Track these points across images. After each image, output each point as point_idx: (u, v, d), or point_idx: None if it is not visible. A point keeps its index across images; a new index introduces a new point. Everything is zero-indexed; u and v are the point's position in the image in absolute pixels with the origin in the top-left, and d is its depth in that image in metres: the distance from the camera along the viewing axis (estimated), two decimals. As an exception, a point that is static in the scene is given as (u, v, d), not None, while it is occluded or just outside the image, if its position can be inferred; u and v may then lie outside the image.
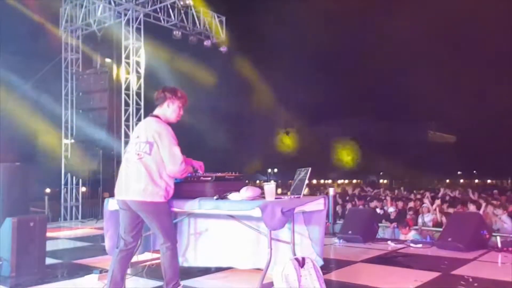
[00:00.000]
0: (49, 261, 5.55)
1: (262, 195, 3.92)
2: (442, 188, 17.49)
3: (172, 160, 3.81)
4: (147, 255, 5.07)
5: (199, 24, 12.86)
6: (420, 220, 9.97)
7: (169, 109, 4.02)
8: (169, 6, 12.23)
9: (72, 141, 12.68)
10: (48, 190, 16.59)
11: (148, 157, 3.80)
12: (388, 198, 12.36)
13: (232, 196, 3.97)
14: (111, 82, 11.69)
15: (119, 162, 12.13)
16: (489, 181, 51.98)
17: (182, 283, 4.06)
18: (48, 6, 13.19)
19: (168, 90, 4.08)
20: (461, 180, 51.60)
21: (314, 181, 40.18)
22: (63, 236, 8.71)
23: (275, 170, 44.54)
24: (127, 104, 11.73)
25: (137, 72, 11.86)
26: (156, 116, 4.01)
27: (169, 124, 4.01)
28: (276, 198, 3.87)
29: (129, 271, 4.62)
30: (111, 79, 11.71)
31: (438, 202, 10.86)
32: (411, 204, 11.54)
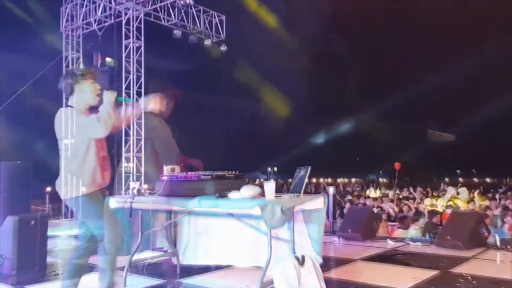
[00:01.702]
0: (50, 259, 5.58)
1: (262, 194, 3.94)
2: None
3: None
4: (147, 253, 5.11)
5: (199, 23, 12.88)
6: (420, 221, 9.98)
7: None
8: (169, 5, 12.25)
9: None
10: (49, 189, 16.62)
11: None
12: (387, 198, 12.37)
13: (232, 194, 3.99)
14: (111, 81, 11.70)
15: (119, 161, 12.16)
16: (488, 179, 52.01)
17: (183, 281, 4.07)
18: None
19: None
20: (460, 179, 51.67)
21: (314, 180, 40.20)
22: (64, 234, 8.73)
23: (275, 168, 44.57)
24: (127, 103, 11.77)
25: (138, 71, 11.88)
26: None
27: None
28: (276, 197, 3.89)
29: (129, 269, 4.66)
30: (112, 78, 11.72)
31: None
32: (412, 204, 11.58)
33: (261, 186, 4.05)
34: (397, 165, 20.54)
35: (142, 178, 11.75)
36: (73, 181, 3.75)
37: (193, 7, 12.58)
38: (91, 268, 5.08)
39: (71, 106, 3.84)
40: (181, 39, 12.53)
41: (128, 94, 11.80)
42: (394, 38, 36.82)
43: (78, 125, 3.79)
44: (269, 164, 43.12)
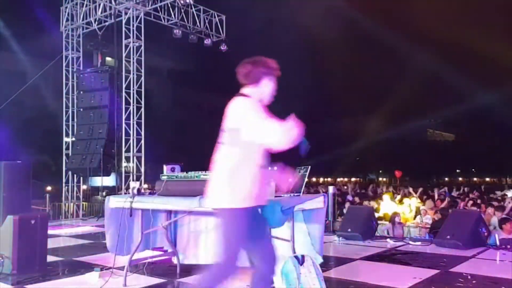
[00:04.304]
0: (50, 258, 5.57)
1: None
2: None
3: None
4: (147, 253, 5.11)
5: (199, 23, 12.88)
6: (418, 220, 10.01)
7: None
8: (169, 5, 12.25)
9: (73, 139, 12.72)
10: (49, 188, 16.65)
11: None
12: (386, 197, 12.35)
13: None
14: (111, 81, 11.72)
15: (119, 160, 12.17)
16: (487, 179, 51.99)
17: (183, 280, 4.06)
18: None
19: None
20: (460, 178, 51.66)
21: (314, 179, 40.23)
22: (64, 234, 8.74)
23: (275, 168, 44.52)
24: (127, 103, 11.77)
25: (138, 70, 11.89)
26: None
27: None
28: (275, 196, 3.89)
29: (129, 268, 4.66)
30: (112, 78, 11.74)
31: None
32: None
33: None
34: (397, 173, 20.77)
35: (142, 177, 11.76)
36: (225, 187, 2.98)
37: (193, 7, 12.58)
38: (91, 266, 5.10)
39: (246, 96, 3.07)
40: (181, 39, 12.52)
41: (128, 94, 11.82)
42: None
43: (257, 124, 2.91)
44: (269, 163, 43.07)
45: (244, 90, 3.10)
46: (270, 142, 2.90)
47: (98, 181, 12.41)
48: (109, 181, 11.81)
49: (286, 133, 2.82)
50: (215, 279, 3.05)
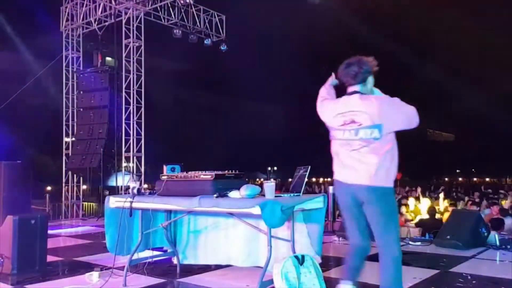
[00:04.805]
0: (50, 258, 5.57)
1: (262, 193, 3.94)
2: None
3: None
4: (147, 253, 5.11)
5: (199, 23, 12.88)
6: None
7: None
8: (169, 5, 12.25)
9: (73, 139, 12.72)
10: (49, 188, 16.66)
11: None
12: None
13: (232, 194, 3.99)
14: (111, 81, 11.73)
15: (119, 160, 12.17)
16: (487, 179, 51.95)
17: (183, 280, 4.06)
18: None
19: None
20: (460, 178, 51.59)
21: (314, 179, 40.18)
22: (64, 233, 8.74)
23: (275, 168, 44.58)
24: (127, 103, 11.77)
25: (138, 70, 11.89)
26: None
27: None
28: (275, 196, 3.89)
29: (130, 268, 4.66)
30: (112, 77, 11.74)
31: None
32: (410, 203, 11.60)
33: (261, 185, 4.04)
34: (398, 175, 20.87)
35: (142, 177, 11.76)
36: (382, 171, 3.23)
37: (193, 7, 12.57)
38: (92, 266, 5.10)
39: (360, 92, 3.31)
40: (181, 39, 12.52)
41: (128, 94, 11.82)
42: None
43: (402, 114, 3.31)
44: (269, 163, 43.08)
45: (355, 88, 3.35)
46: (417, 123, 3.36)
47: (112, 181, 12.48)
48: (120, 181, 11.82)
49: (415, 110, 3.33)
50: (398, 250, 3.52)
